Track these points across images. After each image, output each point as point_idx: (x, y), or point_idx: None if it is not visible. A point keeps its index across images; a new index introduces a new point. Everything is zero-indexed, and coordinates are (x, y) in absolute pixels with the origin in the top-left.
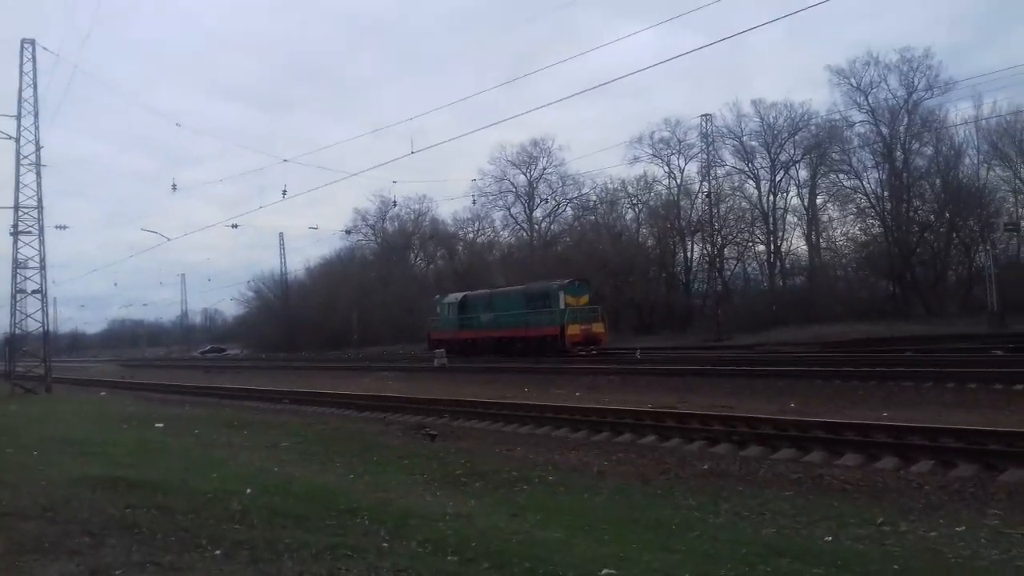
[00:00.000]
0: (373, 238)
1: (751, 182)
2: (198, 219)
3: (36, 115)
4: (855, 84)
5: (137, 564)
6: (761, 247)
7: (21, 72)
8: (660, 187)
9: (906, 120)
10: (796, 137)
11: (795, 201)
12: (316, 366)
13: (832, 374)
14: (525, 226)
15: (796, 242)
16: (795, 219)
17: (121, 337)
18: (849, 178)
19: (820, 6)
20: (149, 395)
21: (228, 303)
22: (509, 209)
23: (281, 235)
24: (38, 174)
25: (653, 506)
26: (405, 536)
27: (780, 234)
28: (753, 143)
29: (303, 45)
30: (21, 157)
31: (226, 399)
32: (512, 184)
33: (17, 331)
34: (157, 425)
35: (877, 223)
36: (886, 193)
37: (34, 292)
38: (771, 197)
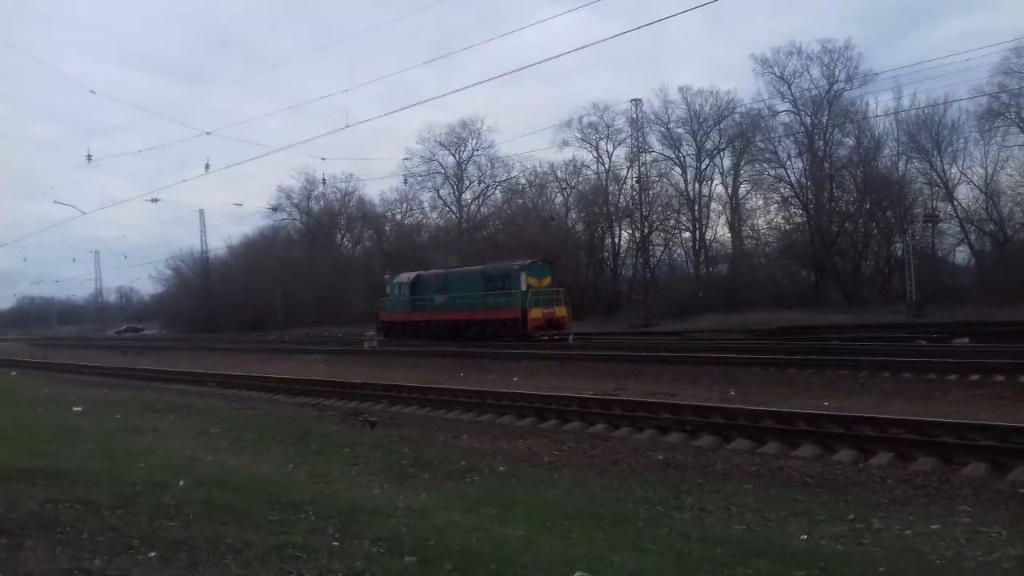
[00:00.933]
0: (298, 217)
1: (677, 169)
2: (113, 193)
3: None
4: (778, 74)
5: (64, 572)
6: (687, 234)
7: None
8: (589, 172)
9: (827, 110)
10: (721, 125)
11: (719, 189)
12: (239, 348)
13: (768, 362)
14: (454, 208)
15: (721, 230)
16: (719, 207)
17: (31, 315)
18: (772, 167)
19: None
20: (64, 376)
21: (145, 281)
22: (438, 191)
23: (201, 212)
24: None
25: (614, 500)
26: (356, 534)
27: (705, 222)
28: (679, 130)
29: (222, 18)
30: None
31: (147, 381)
32: (441, 165)
33: None
34: (75, 409)
35: (800, 212)
36: (808, 183)
37: None
38: (696, 185)
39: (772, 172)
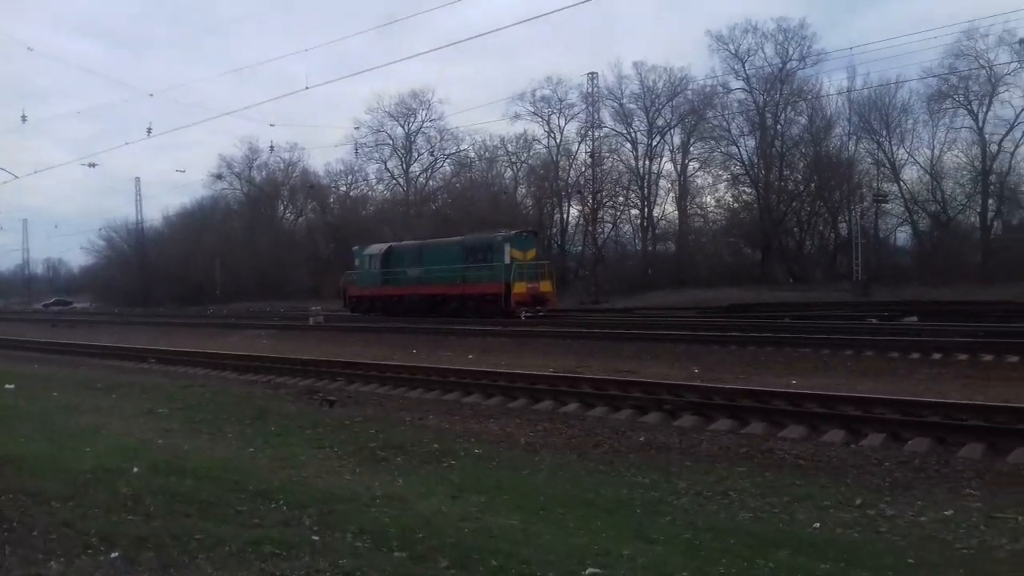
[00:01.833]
0: (239, 187)
1: (628, 145)
2: (48, 158)
3: None
4: (733, 51)
5: None
6: (635, 211)
7: None
8: (539, 146)
9: (779, 89)
10: (673, 102)
11: (668, 167)
12: (177, 322)
13: (728, 339)
14: (401, 181)
15: (669, 208)
16: (668, 184)
17: None
18: (724, 144)
19: None
20: None
21: (76, 252)
22: (385, 163)
23: (137, 180)
24: None
25: (603, 484)
26: (335, 526)
27: (653, 199)
28: (632, 106)
29: None
30: None
31: (83, 356)
32: (390, 136)
33: None
34: (7, 386)
35: (749, 190)
36: (759, 161)
37: None
38: (647, 161)
39: (723, 150)
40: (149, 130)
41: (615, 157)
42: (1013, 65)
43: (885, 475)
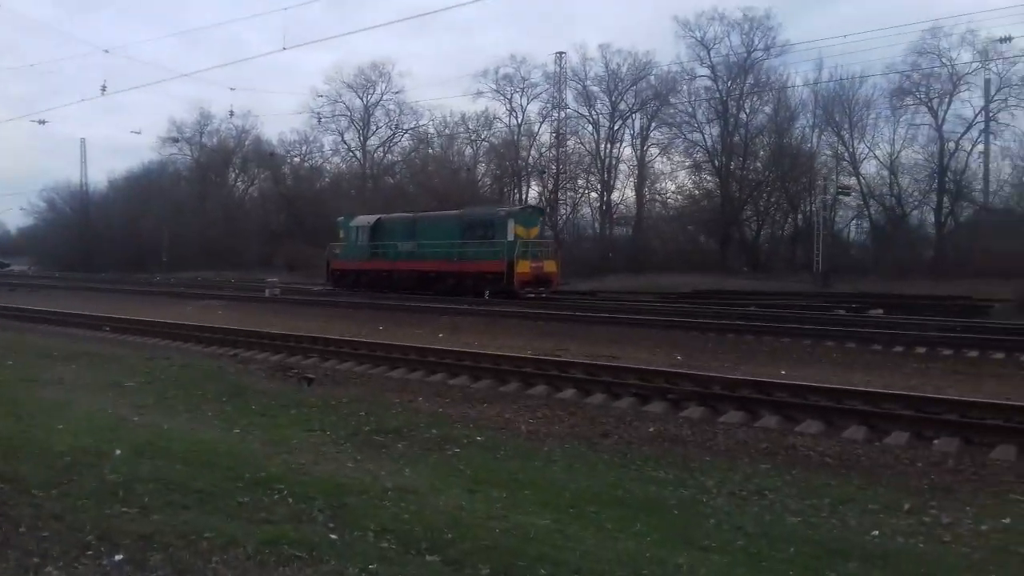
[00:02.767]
0: (189, 153)
1: (590, 128)
2: None
3: None
4: (699, 39)
5: None
6: (594, 194)
7: None
8: (500, 125)
9: (744, 78)
10: (637, 86)
11: (628, 151)
12: (125, 289)
13: (706, 326)
14: (358, 154)
15: (628, 192)
16: (627, 169)
17: None
18: (688, 131)
19: None
20: None
21: (14, 213)
22: (342, 134)
23: (83, 141)
24: None
25: (626, 479)
26: (352, 522)
27: (612, 183)
28: (595, 88)
29: None
30: None
31: (29, 322)
32: (348, 108)
33: None
34: None
35: (711, 178)
36: (720, 149)
37: None
38: (608, 145)
39: (688, 136)
40: (103, 88)
41: (577, 139)
42: (974, 65)
43: (921, 477)
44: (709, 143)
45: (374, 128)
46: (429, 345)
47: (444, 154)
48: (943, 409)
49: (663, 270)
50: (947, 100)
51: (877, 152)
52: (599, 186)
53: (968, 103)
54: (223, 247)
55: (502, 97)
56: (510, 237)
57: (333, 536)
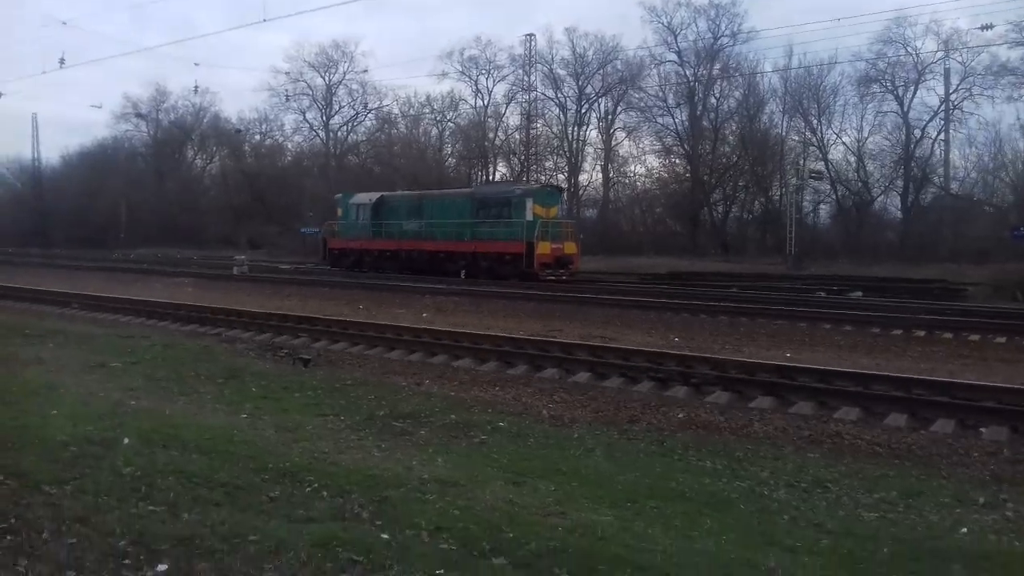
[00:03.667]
0: (145, 129)
1: (558, 111)
2: None
3: None
4: (666, 24)
5: None
6: (562, 176)
7: None
8: (466, 107)
9: (710, 64)
10: (605, 70)
11: (593, 135)
12: (84, 266)
13: (696, 308)
14: (321, 133)
15: (595, 175)
16: (594, 152)
17: None
18: (658, 114)
19: None
20: None
21: None
22: (304, 113)
23: (34, 116)
24: None
25: (674, 470)
26: (400, 520)
27: (580, 165)
28: (561, 71)
29: None
30: None
31: None
32: (309, 87)
33: None
34: None
35: (680, 162)
36: (688, 134)
37: None
38: (576, 128)
39: (658, 120)
40: (62, 61)
41: (544, 122)
42: (939, 54)
43: (980, 467)
44: (678, 127)
45: (337, 107)
46: (415, 325)
47: (410, 134)
48: (979, 396)
49: (632, 252)
50: (913, 88)
51: (844, 138)
52: (567, 168)
53: (933, 91)
54: (182, 224)
55: (468, 79)
56: (529, 217)
57: (385, 536)
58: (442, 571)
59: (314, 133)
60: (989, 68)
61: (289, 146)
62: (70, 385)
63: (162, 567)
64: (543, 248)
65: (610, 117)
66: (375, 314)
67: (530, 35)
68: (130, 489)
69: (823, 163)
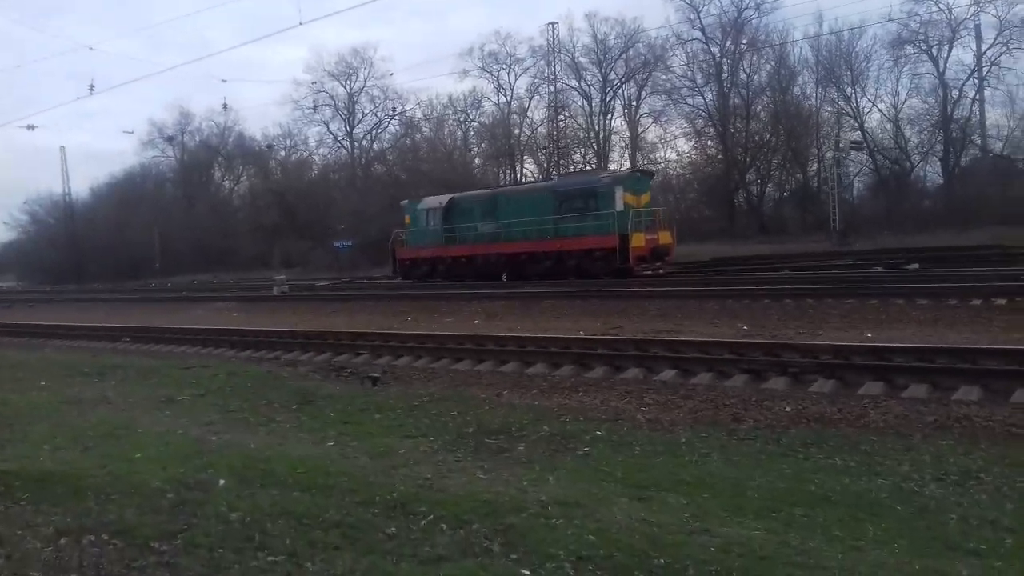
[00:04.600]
0: (172, 154)
1: (583, 101)
2: None
3: None
4: (688, 1)
5: None
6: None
7: None
8: (489, 104)
9: (736, 39)
10: (627, 54)
11: (619, 123)
12: (125, 298)
13: (756, 293)
14: (345, 143)
15: (626, 164)
16: (622, 141)
17: None
18: (684, 96)
19: None
20: None
21: None
22: (327, 124)
23: (62, 148)
24: None
25: (805, 471)
26: (534, 550)
27: (608, 155)
28: (583, 59)
29: None
30: None
31: (41, 339)
32: (331, 97)
33: None
34: None
35: (713, 143)
36: (718, 113)
37: None
38: (601, 118)
39: (688, 102)
40: (91, 88)
41: (568, 113)
42: (972, 9)
43: None
44: (708, 107)
45: (360, 116)
46: (470, 332)
47: (435, 137)
48: None
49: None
50: (948, 47)
51: (880, 105)
52: (595, 160)
53: (969, 48)
54: (216, 248)
55: (489, 75)
56: (619, 207)
57: (526, 572)
58: None
59: (339, 144)
60: None
61: (316, 159)
62: (145, 424)
63: None
64: (638, 240)
65: (635, 103)
66: (424, 324)
67: (552, 23)
68: (243, 538)
69: (859, 132)
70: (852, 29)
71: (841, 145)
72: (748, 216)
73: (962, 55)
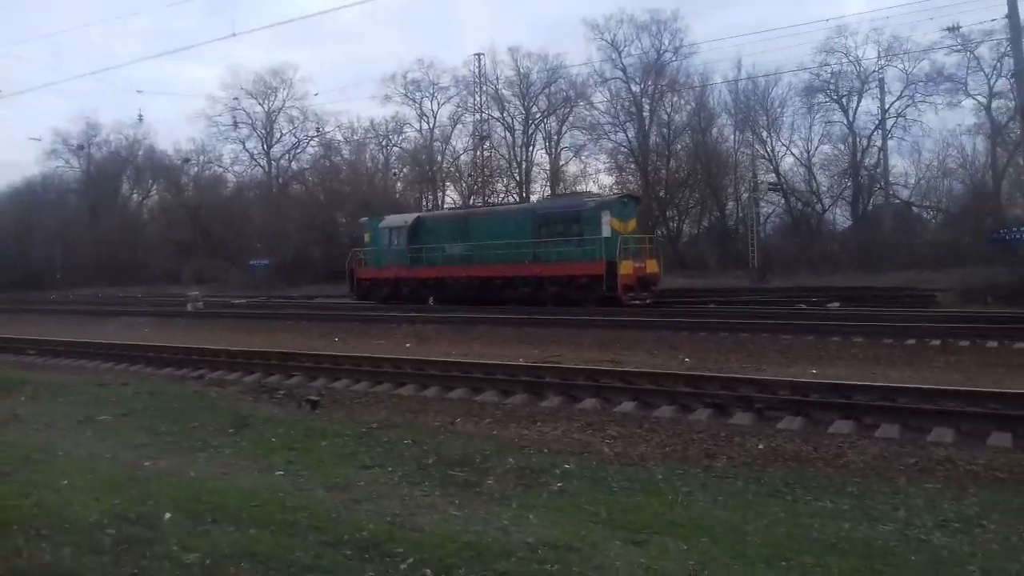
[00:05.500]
0: (77, 165)
1: (505, 132)
2: None
3: None
4: (609, 40)
5: None
6: (513, 198)
7: None
8: (411, 131)
9: (656, 80)
10: (549, 89)
11: (540, 155)
12: (27, 309)
13: (692, 326)
14: (262, 161)
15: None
16: (544, 173)
17: None
18: (604, 133)
19: None
20: None
21: None
22: (244, 143)
23: None
24: None
25: (801, 515)
26: None
27: (530, 186)
28: (506, 92)
29: None
30: None
31: None
32: (248, 115)
33: None
34: None
35: (634, 179)
36: (638, 150)
37: None
38: (523, 150)
39: (610, 138)
40: None
41: (490, 143)
42: (879, 63)
43: None
44: (629, 144)
45: (278, 135)
46: (407, 356)
47: (356, 160)
48: None
49: None
50: (857, 97)
51: (794, 149)
52: (517, 190)
53: (877, 100)
54: (122, 262)
55: (412, 102)
56: (606, 233)
57: None
58: None
59: (255, 162)
60: (929, 75)
61: (231, 176)
62: (66, 446)
63: None
64: (626, 268)
65: (557, 137)
66: (354, 346)
67: (479, 54)
68: None
69: (774, 175)
70: (768, 76)
71: (758, 186)
72: (668, 251)
73: (870, 106)
